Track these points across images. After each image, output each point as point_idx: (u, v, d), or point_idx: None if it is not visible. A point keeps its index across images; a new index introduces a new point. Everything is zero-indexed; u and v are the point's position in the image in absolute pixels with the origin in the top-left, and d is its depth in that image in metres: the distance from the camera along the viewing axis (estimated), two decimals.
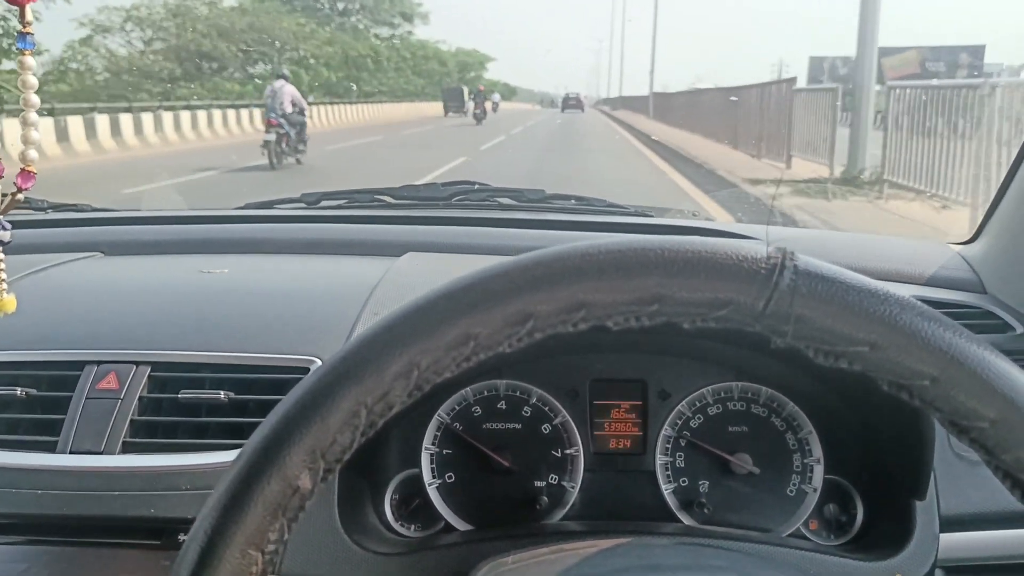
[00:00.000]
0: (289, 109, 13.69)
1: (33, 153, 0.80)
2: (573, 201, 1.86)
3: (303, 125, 14.01)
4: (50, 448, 0.99)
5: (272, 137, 13.28)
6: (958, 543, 1.01)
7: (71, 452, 0.98)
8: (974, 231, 1.48)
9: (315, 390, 0.48)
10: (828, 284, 0.46)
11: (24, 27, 0.73)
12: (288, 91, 13.97)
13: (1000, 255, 1.33)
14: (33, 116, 0.76)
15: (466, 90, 44.89)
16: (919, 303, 0.47)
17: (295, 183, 10.90)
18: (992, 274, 1.33)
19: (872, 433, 1.06)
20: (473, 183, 1.96)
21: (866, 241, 1.70)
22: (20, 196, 0.72)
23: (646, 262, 0.47)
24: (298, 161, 13.59)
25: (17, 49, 0.72)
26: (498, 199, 1.86)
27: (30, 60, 0.74)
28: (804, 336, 0.46)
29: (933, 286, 1.33)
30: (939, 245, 1.52)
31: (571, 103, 62.30)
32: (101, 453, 0.98)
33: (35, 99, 0.75)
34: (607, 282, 0.47)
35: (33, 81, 0.74)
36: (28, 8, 0.73)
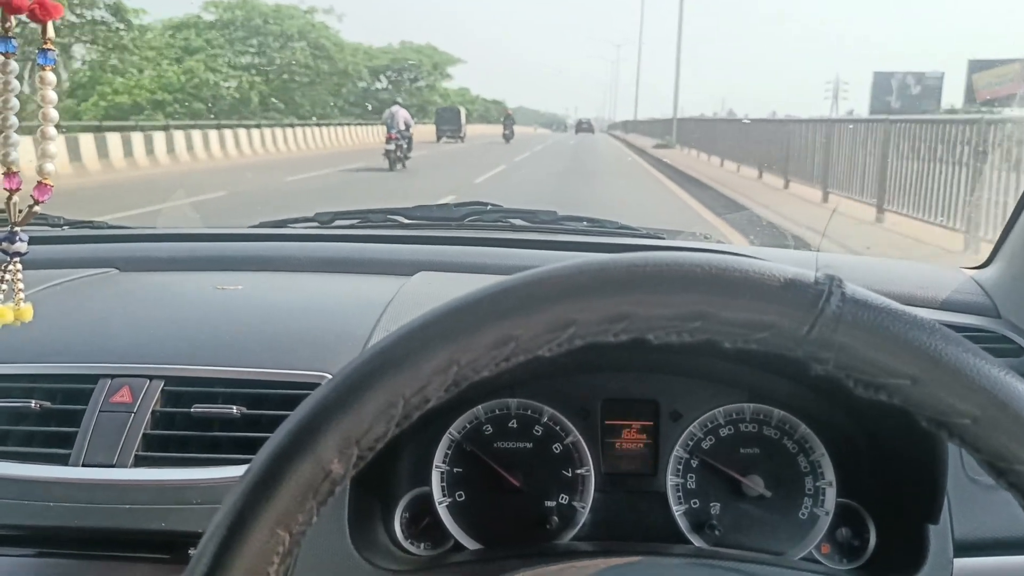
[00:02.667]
0: (403, 127, 19.24)
1: (50, 166, 0.82)
2: (585, 223, 1.86)
3: (410, 139, 19.89)
4: (63, 461, 0.99)
5: (392, 147, 18.76)
6: (972, 568, 1.00)
7: (84, 465, 0.99)
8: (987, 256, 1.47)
9: (354, 377, 0.48)
10: (874, 313, 0.46)
11: (45, 43, 0.75)
12: (402, 114, 19.51)
13: (1013, 279, 1.33)
14: (51, 130, 0.77)
15: (463, 112, 39.55)
16: (964, 339, 0.46)
17: (405, 178, 17.22)
18: (1006, 298, 1.33)
19: (885, 456, 1.06)
20: (486, 204, 1.97)
21: (880, 264, 1.70)
22: (37, 208, 0.73)
23: (693, 278, 0.47)
24: (404, 166, 18.94)
25: (39, 65, 0.74)
26: (510, 220, 1.87)
27: (50, 75, 0.76)
28: (845, 365, 0.46)
29: (947, 310, 1.33)
30: (953, 269, 1.51)
31: (584, 127, 74.69)
32: (114, 466, 0.99)
33: (54, 113, 0.76)
34: (652, 295, 0.47)
35: (52, 96, 0.76)
36: (50, 24, 0.75)
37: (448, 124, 38.29)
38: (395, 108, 20.21)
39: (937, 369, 0.45)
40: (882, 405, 0.47)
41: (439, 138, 37.03)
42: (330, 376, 0.45)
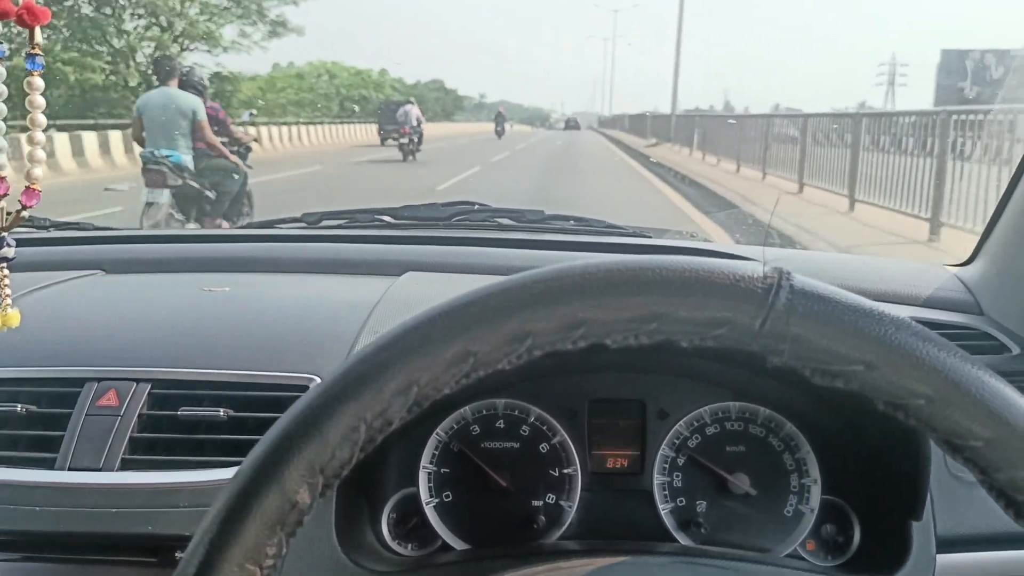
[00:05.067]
0: (415, 123, 22.13)
1: (38, 171, 0.81)
2: (572, 222, 1.87)
3: (421, 133, 22.67)
4: (49, 465, 0.99)
5: (405, 140, 21.60)
6: (955, 564, 1.01)
7: (70, 469, 0.98)
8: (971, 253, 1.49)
9: (314, 405, 0.48)
10: (824, 303, 0.47)
11: (33, 48, 0.75)
12: (414, 112, 22.36)
13: (996, 277, 1.34)
14: (39, 135, 0.77)
15: (414, 107, 29.81)
16: (914, 323, 0.48)
17: (418, 166, 20.28)
18: (989, 295, 1.34)
19: (869, 453, 1.07)
20: (473, 203, 1.97)
21: (863, 262, 1.71)
22: (24, 214, 0.73)
23: (645, 280, 0.48)
24: (415, 157, 21.55)
25: (26, 70, 0.73)
26: (498, 219, 1.87)
27: (38, 80, 0.76)
28: (800, 355, 0.47)
29: (930, 307, 1.34)
30: (936, 266, 1.53)
31: (571, 124, 79.76)
32: (100, 470, 0.99)
33: (41, 118, 0.76)
34: (606, 300, 0.47)
35: (40, 101, 0.75)
36: (37, 29, 0.75)
37: (392, 123, 28.86)
38: (408, 107, 22.79)
39: (889, 353, 0.46)
40: (864, 402, 0.48)
41: (383, 140, 30.91)
42: (317, 379, 0.45)
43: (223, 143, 6.98)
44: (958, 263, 1.51)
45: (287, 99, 45.26)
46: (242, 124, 8.77)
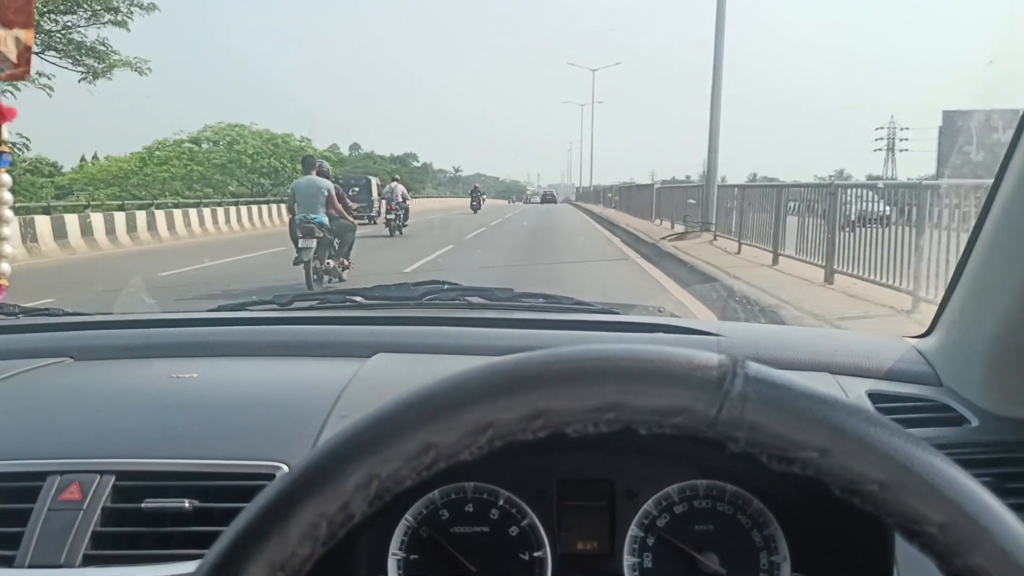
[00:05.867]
0: (400, 200, 22.75)
1: (5, 266, 0.82)
2: (541, 299, 1.89)
3: (407, 209, 23.17)
4: (8, 563, 0.97)
5: (392, 216, 21.68)
6: None
7: (30, 566, 0.97)
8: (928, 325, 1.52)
9: (274, 502, 0.48)
10: (777, 391, 0.48)
11: (0, 145, 0.76)
12: (400, 189, 23.15)
13: (954, 348, 1.37)
14: (5, 231, 0.78)
15: (374, 183, 29.37)
16: (866, 409, 0.49)
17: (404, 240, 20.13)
18: (947, 367, 1.36)
19: (836, 529, 1.07)
20: (443, 283, 1.99)
21: (823, 336, 1.74)
22: None
23: (602, 370, 0.49)
24: (401, 232, 21.77)
25: None
26: (468, 298, 1.89)
27: (5, 177, 0.77)
28: (756, 442, 0.48)
29: (890, 379, 1.36)
30: (895, 339, 1.55)
31: (547, 198, 78.07)
32: (61, 567, 0.97)
33: (9, 214, 0.77)
34: (564, 390, 0.48)
35: (8, 197, 0.77)
36: (4, 127, 0.77)
37: (353, 200, 27.68)
38: (394, 184, 23.52)
39: (842, 439, 0.47)
40: (808, 476, 0.49)
41: None
42: (284, 467, 0.46)
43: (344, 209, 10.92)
44: (916, 335, 1.54)
45: (171, 174, 38.94)
46: None
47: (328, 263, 10.60)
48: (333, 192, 10.59)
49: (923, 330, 1.52)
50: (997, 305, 1.22)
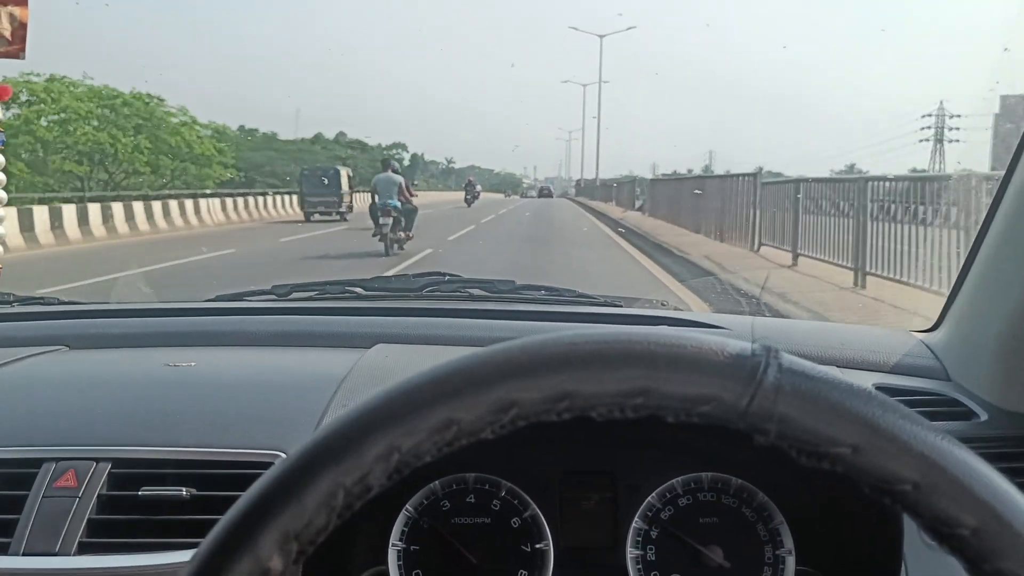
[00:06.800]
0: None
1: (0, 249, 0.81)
2: (543, 292, 1.88)
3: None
4: (3, 550, 0.96)
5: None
6: None
7: (24, 554, 0.95)
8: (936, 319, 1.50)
9: (293, 469, 0.47)
10: (812, 383, 0.46)
11: None
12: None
13: (961, 342, 1.36)
14: (0, 212, 0.76)
15: (344, 174, 26.18)
16: (902, 406, 0.47)
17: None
18: (955, 361, 1.35)
19: (842, 523, 1.06)
20: (444, 274, 1.98)
21: (831, 330, 1.73)
22: None
23: (632, 354, 0.47)
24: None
25: None
26: (469, 290, 1.87)
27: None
28: (787, 436, 0.46)
29: (898, 373, 1.35)
30: (903, 333, 1.54)
31: (544, 192, 73.90)
32: (56, 554, 0.95)
33: (2, 195, 0.75)
34: (592, 373, 0.47)
35: (1, 177, 0.75)
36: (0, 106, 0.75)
37: (321, 192, 25.84)
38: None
39: (877, 437, 0.45)
40: (839, 476, 0.47)
41: (308, 215, 25.65)
42: (283, 455, 0.44)
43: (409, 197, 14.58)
44: (924, 329, 1.53)
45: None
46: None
47: (400, 234, 14.39)
48: (403, 184, 14.70)
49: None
50: (1006, 299, 1.21)
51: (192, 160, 29.56)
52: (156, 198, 22.74)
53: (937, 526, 0.45)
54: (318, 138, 55.55)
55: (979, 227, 1.36)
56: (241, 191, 29.15)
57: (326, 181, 25.23)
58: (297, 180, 28.09)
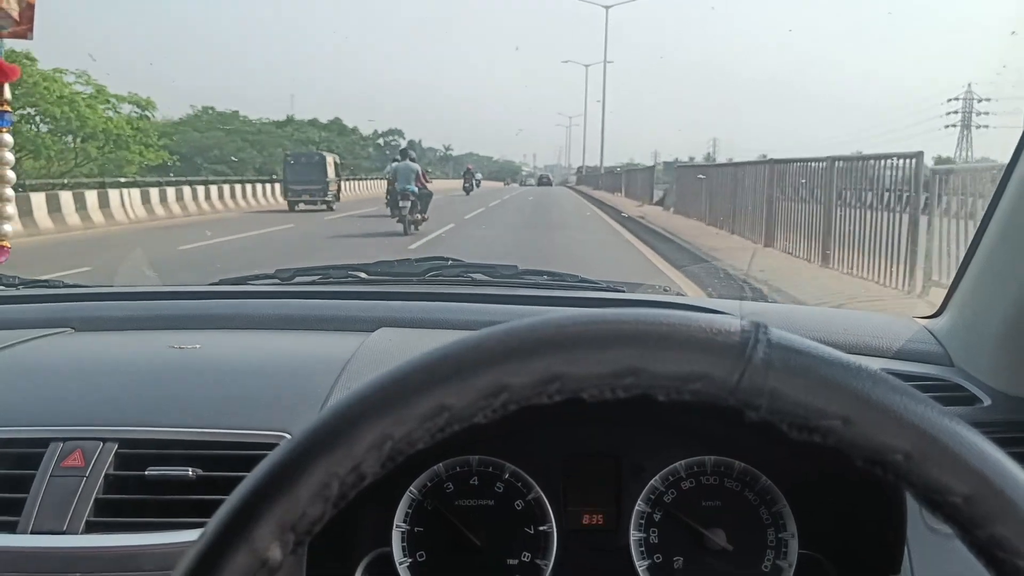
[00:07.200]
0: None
1: (8, 227, 0.81)
2: (545, 276, 1.88)
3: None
4: (11, 528, 0.96)
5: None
6: None
7: (32, 532, 0.96)
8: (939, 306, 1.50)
9: (285, 461, 0.47)
10: (801, 357, 0.47)
11: (2, 105, 0.75)
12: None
13: (965, 328, 1.36)
14: (9, 191, 0.77)
15: (331, 161, 25.25)
16: (892, 377, 0.47)
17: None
18: (958, 347, 1.35)
19: (846, 506, 1.07)
20: (447, 259, 1.98)
21: (834, 315, 1.73)
22: None
23: (621, 334, 0.47)
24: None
25: None
26: (471, 275, 1.88)
27: (7, 137, 0.76)
28: (777, 410, 0.46)
29: (901, 359, 1.35)
30: (906, 319, 1.54)
31: (544, 180, 74.29)
32: (64, 533, 0.96)
33: (11, 175, 0.76)
34: (581, 354, 0.47)
35: (10, 157, 0.75)
36: (6, 86, 0.75)
37: (304, 181, 24.70)
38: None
39: (867, 408, 0.46)
40: (840, 456, 0.47)
41: (292, 204, 24.46)
42: (288, 436, 0.45)
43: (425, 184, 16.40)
44: (927, 315, 1.53)
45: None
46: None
47: (416, 216, 16.40)
48: (420, 171, 16.92)
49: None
50: (1010, 285, 1.21)
51: (91, 138, 25.27)
52: (51, 188, 18.65)
53: (930, 495, 0.46)
54: (290, 120, 50.07)
55: (984, 214, 1.36)
56: (175, 180, 24.31)
57: (310, 167, 23.83)
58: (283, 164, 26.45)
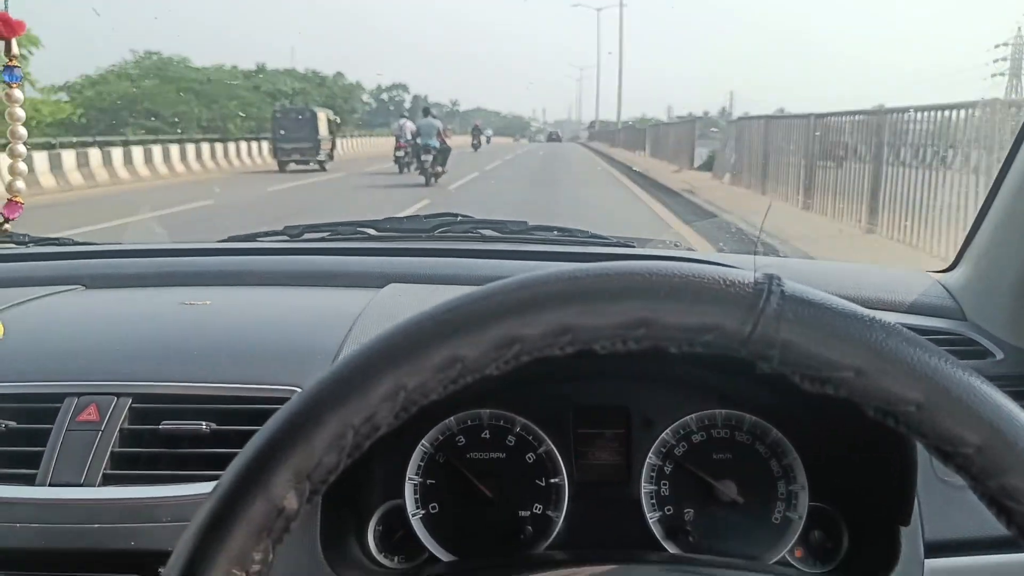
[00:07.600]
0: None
1: (21, 184, 0.81)
2: (556, 232, 1.87)
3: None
4: (30, 481, 0.98)
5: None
6: (943, 568, 1.01)
7: (51, 484, 0.97)
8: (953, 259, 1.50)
9: (301, 410, 0.47)
10: (814, 309, 0.46)
11: (10, 60, 0.74)
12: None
13: (978, 282, 1.35)
14: (21, 148, 0.76)
15: (323, 117, 23.64)
16: (904, 329, 0.47)
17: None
18: (971, 301, 1.35)
19: (856, 459, 1.07)
20: (456, 215, 1.97)
21: (846, 269, 1.72)
22: (7, 226, 0.72)
23: (633, 286, 0.47)
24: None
25: (4, 82, 0.73)
26: (481, 231, 1.87)
27: (17, 93, 0.75)
28: (790, 362, 0.46)
29: (914, 313, 1.35)
30: (919, 273, 1.54)
31: (553, 137, 74.78)
32: (81, 485, 0.97)
33: (22, 131, 0.75)
34: (593, 306, 0.47)
35: (20, 113, 0.75)
36: (14, 41, 0.74)
37: (293, 139, 22.83)
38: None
39: (879, 359, 0.46)
40: (851, 407, 0.48)
41: (282, 165, 22.77)
42: (300, 390, 0.45)
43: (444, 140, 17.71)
44: (940, 269, 1.52)
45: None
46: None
47: (437, 169, 18.09)
48: (440, 128, 18.48)
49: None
50: None
51: None
52: None
53: (942, 445, 0.46)
54: (261, 69, 42.15)
55: (1000, 168, 1.34)
56: (84, 138, 20.35)
57: (300, 122, 22.00)
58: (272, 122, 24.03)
